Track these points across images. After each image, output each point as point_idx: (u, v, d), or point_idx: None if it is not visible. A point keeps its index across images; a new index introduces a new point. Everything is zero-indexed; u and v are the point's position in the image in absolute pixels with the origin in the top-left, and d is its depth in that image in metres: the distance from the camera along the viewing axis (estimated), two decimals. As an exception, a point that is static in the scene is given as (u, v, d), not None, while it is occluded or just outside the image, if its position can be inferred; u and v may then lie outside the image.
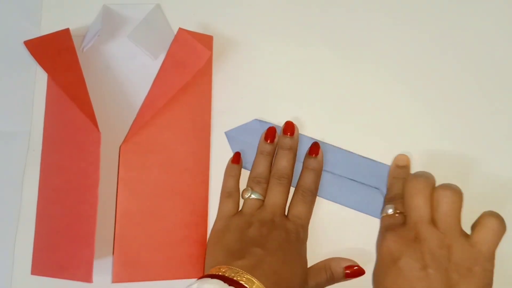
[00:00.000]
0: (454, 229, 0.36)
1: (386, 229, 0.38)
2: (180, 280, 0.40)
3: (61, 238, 0.39)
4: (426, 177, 0.37)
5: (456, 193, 0.36)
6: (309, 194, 0.40)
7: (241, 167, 0.43)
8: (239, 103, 0.44)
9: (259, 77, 0.45)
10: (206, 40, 0.44)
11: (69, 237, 0.39)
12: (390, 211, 0.39)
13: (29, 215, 0.42)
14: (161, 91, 0.41)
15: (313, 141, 0.42)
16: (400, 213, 0.39)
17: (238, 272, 0.35)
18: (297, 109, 0.44)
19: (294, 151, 0.42)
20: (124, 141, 0.41)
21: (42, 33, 0.45)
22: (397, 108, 0.44)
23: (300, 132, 0.43)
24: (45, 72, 0.43)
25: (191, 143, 0.42)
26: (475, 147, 0.43)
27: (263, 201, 0.41)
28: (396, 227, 0.38)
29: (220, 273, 0.35)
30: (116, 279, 0.38)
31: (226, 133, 0.43)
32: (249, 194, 0.41)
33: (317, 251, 0.41)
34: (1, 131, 0.44)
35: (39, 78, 0.45)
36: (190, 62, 0.42)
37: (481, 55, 0.45)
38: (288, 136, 0.42)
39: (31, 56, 0.42)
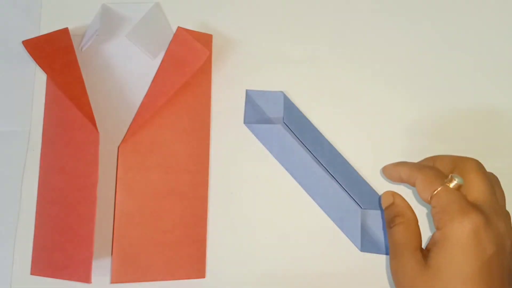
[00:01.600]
0: None
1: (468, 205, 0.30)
2: (179, 281, 0.40)
3: (59, 238, 0.39)
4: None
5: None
6: None
7: None
8: (239, 102, 0.44)
9: (259, 76, 0.44)
10: (205, 39, 0.44)
11: (68, 237, 0.39)
12: (457, 180, 0.32)
13: (28, 215, 0.42)
14: (160, 90, 0.41)
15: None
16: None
17: None
18: (298, 109, 0.44)
19: None
20: (123, 141, 0.41)
21: (42, 32, 0.45)
22: (397, 108, 0.44)
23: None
24: (44, 72, 0.42)
25: (190, 143, 0.42)
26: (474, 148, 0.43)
27: None
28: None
29: None
30: (115, 279, 0.38)
31: (247, 91, 0.43)
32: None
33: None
34: (1, 131, 0.44)
35: (39, 77, 0.45)
36: (189, 61, 0.41)
37: (482, 55, 0.44)
38: None
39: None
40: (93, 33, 0.43)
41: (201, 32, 0.44)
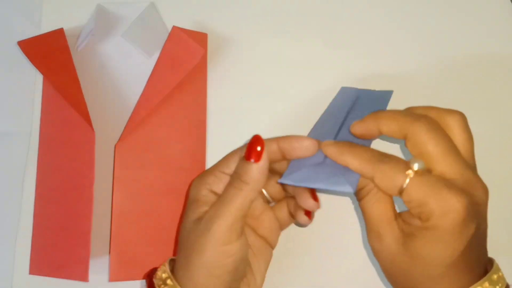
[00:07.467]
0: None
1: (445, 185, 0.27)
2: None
3: (57, 238, 0.40)
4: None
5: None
6: None
7: None
8: (234, 100, 0.44)
9: (254, 75, 0.45)
10: (200, 38, 0.44)
11: (65, 236, 0.39)
12: (418, 166, 0.28)
13: (29, 215, 0.42)
14: (156, 89, 0.41)
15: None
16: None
17: None
18: (293, 107, 0.44)
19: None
20: (119, 140, 0.41)
21: (42, 33, 0.45)
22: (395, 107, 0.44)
23: (297, 132, 0.43)
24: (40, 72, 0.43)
25: (186, 141, 0.42)
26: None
27: None
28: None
29: None
30: (113, 277, 0.39)
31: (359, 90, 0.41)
32: None
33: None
34: (1, 131, 0.44)
35: (39, 78, 0.45)
36: (184, 60, 0.42)
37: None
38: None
39: (30, 56, 0.42)
40: (88, 33, 0.44)
41: (196, 31, 0.44)
